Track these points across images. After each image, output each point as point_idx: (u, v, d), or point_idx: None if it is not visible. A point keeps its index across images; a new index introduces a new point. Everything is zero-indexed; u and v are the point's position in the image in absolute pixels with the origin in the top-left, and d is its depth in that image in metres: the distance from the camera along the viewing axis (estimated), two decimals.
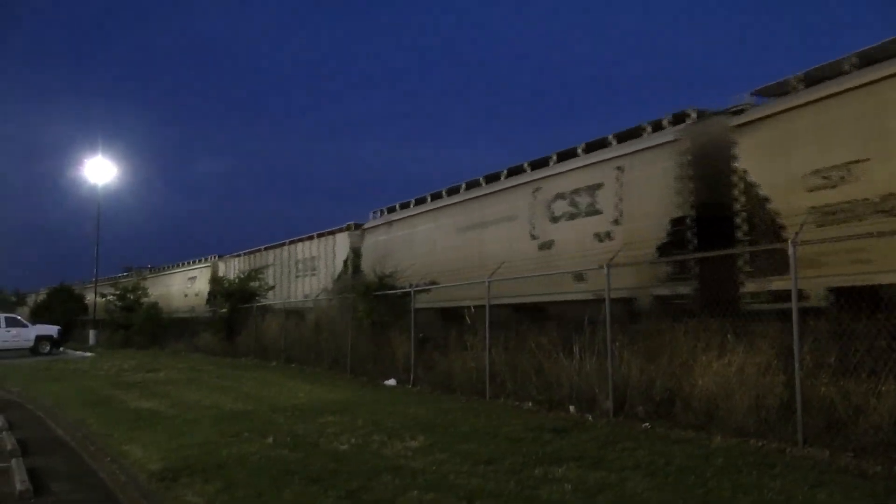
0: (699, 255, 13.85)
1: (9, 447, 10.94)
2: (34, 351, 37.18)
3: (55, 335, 39.04)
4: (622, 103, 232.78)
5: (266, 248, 39.63)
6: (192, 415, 13.93)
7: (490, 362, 15.39)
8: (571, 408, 12.85)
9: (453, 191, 24.41)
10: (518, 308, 19.07)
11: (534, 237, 19.36)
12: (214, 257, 46.48)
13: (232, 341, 31.64)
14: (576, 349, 13.41)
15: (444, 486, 7.92)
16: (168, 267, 55.47)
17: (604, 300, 12.69)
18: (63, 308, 52.29)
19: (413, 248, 25.16)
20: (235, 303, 32.00)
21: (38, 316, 49.83)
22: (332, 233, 32.78)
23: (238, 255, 42.87)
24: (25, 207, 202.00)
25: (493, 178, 22.49)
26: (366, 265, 26.78)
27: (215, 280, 38.37)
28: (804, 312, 10.18)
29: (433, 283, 21.19)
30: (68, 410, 15.48)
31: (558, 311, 17.49)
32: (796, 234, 10.08)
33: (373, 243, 28.48)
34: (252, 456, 9.76)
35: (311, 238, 34.80)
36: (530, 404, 13.70)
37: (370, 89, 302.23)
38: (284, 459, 9.53)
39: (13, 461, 9.81)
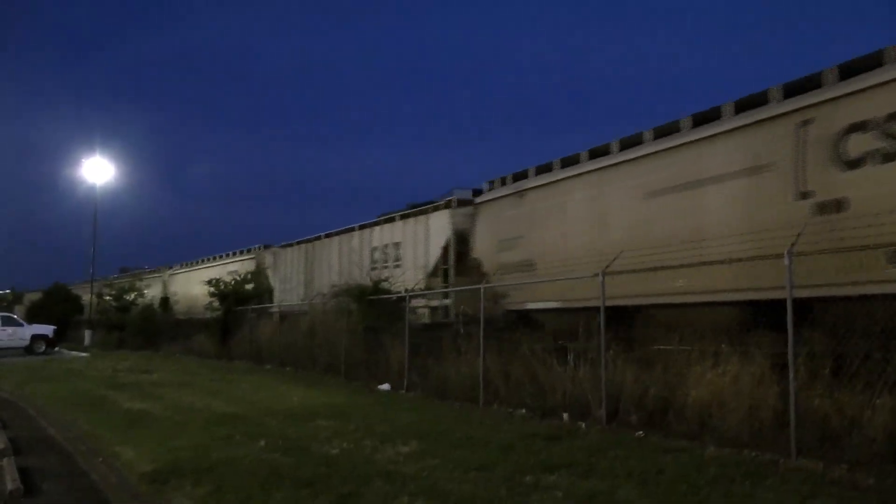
0: None
1: (1, 446, 10.90)
2: (29, 350, 37.19)
3: (50, 335, 39.08)
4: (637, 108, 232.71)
5: (328, 235, 32.99)
6: (185, 417, 13.90)
7: (484, 369, 15.35)
8: (565, 415, 12.83)
9: (630, 142, 17.25)
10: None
11: (804, 195, 12.69)
12: (260, 248, 40.35)
13: (226, 344, 31.57)
14: (569, 357, 13.40)
15: (434, 492, 7.89)
16: (203, 261, 47.58)
17: None
18: (59, 308, 52.30)
19: (564, 224, 18.59)
20: (230, 305, 31.93)
21: (33, 315, 49.79)
22: (424, 212, 25.41)
23: (291, 245, 36.69)
24: (23, 207, 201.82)
25: (706, 117, 15.21)
26: (481, 251, 22.25)
27: (211, 282, 37.16)
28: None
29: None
30: (61, 410, 15.47)
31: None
32: (792, 244, 10.05)
33: (492, 221, 21.87)
34: (243, 459, 9.72)
35: (391, 220, 27.74)
36: (523, 411, 13.69)
37: (372, 91, 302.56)
38: (275, 463, 9.49)
39: (4, 460, 9.80)
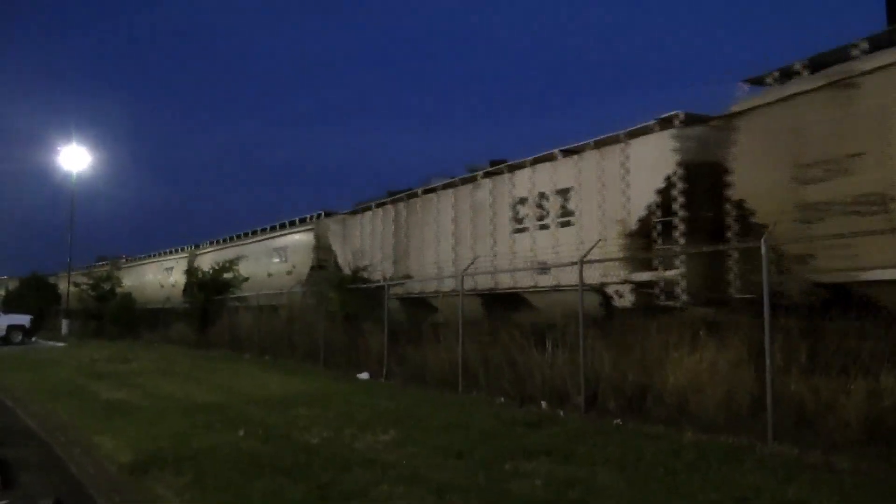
0: None
1: None
2: (6, 340, 36.91)
3: (27, 325, 38.82)
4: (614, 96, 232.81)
5: (428, 191, 23.93)
6: (164, 406, 13.87)
7: (462, 356, 15.36)
8: (543, 403, 12.88)
9: None
10: None
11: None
12: (319, 215, 32.19)
13: (206, 333, 31.46)
14: (548, 344, 13.41)
15: (414, 479, 7.92)
16: (230, 240, 41.02)
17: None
18: (36, 297, 51.99)
19: None
20: (209, 294, 31.79)
21: (10, 305, 49.45)
22: (617, 139, 16.94)
23: (367, 209, 27.54)
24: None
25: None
26: (749, 187, 13.72)
27: (190, 271, 36.00)
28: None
29: None
30: (39, 401, 15.37)
31: None
32: (768, 232, 10.10)
33: (775, 135, 13.34)
34: (223, 448, 9.72)
35: (548, 158, 18.91)
36: (502, 399, 13.73)
37: (351, 78, 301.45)
38: (255, 452, 9.49)
39: None
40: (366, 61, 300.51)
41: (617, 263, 15.10)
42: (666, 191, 15.11)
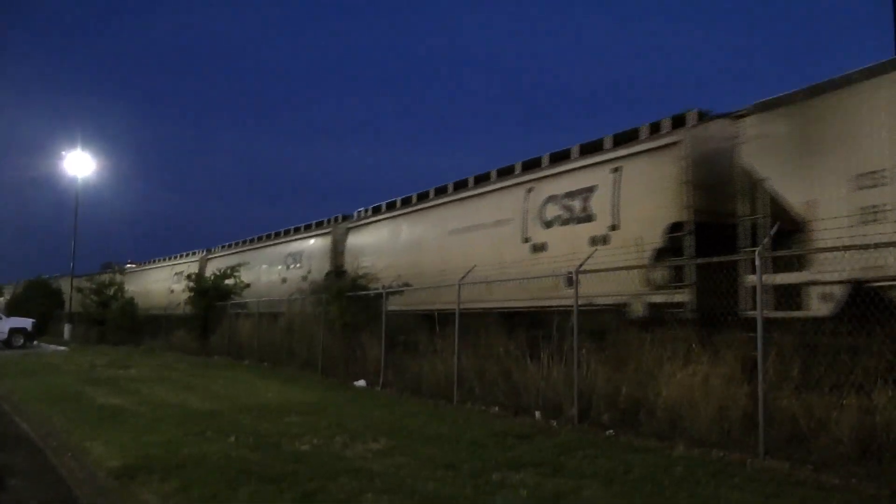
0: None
1: None
2: (7, 344, 36.93)
3: (29, 328, 38.82)
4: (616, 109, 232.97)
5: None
6: (158, 413, 13.86)
7: (458, 367, 15.33)
8: (537, 414, 12.85)
9: None
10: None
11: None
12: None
13: (206, 340, 31.47)
14: (543, 356, 13.38)
15: (400, 489, 7.90)
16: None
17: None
18: (39, 301, 52.06)
19: None
20: (210, 301, 31.79)
21: (14, 309, 49.49)
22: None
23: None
24: (6, 200, 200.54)
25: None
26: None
27: (191, 277, 35.53)
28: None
29: None
30: (35, 406, 15.37)
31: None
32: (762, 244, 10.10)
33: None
34: (212, 455, 9.70)
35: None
36: (497, 409, 13.70)
37: (361, 91, 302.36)
38: (245, 459, 9.48)
39: None
40: (380, 74, 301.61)
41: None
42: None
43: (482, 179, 21.75)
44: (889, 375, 9.22)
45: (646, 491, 7.84)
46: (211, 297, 31.86)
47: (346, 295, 21.24)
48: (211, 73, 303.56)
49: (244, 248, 38.31)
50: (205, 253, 43.69)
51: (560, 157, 18.65)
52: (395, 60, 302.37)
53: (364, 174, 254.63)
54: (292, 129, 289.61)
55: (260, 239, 37.40)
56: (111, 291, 44.48)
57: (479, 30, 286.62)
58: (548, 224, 17.77)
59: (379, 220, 27.00)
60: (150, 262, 52.59)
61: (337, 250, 29.11)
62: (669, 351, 11.60)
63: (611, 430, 11.25)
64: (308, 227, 32.78)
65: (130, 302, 43.58)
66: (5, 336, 37.28)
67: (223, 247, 42.32)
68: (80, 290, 47.36)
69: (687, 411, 10.66)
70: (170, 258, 48.30)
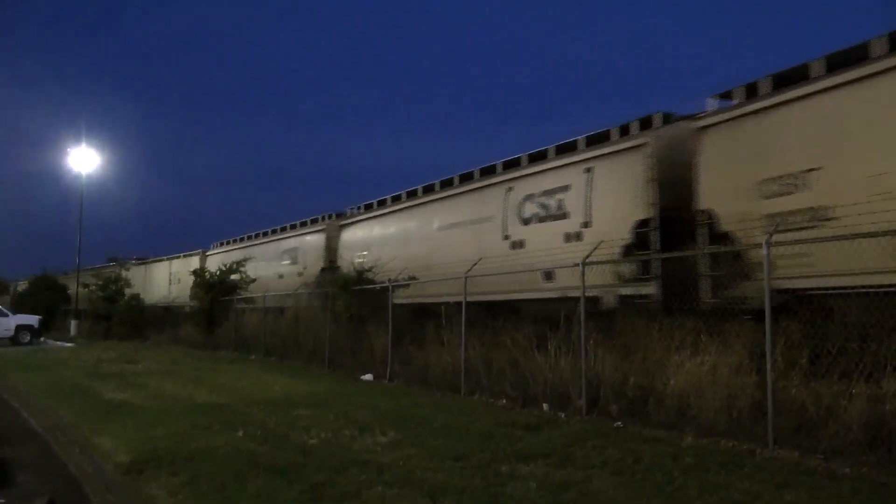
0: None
1: None
2: (14, 340, 36.96)
3: (36, 325, 38.84)
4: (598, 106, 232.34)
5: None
6: (166, 406, 13.88)
7: (465, 358, 15.32)
8: (545, 405, 12.83)
9: None
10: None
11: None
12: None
13: (213, 334, 31.50)
14: (550, 347, 13.37)
15: (409, 481, 7.88)
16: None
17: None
18: (45, 297, 52.04)
19: None
20: (216, 295, 31.80)
21: (19, 305, 49.48)
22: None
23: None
24: (11, 195, 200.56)
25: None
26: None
27: (196, 272, 35.56)
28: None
29: None
30: (43, 400, 15.42)
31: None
32: (770, 234, 10.09)
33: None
34: (220, 449, 9.70)
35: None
36: (504, 401, 13.68)
37: (365, 81, 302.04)
38: (252, 452, 9.48)
39: None
40: (377, 65, 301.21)
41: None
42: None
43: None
44: None
45: (655, 481, 7.81)
46: (217, 291, 31.86)
47: (352, 288, 21.24)
48: (215, 66, 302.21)
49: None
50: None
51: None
52: (395, 53, 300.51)
53: (364, 164, 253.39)
54: (294, 119, 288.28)
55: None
56: (117, 286, 44.39)
57: (479, 19, 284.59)
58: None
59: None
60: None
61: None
62: (677, 340, 11.59)
63: (619, 422, 11.22)
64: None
65: (136, 297, 43.62)
66: (12, 333, 37.30)
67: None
68: (86, 285, 47.37)
69: (695, 401, 10.63)
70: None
